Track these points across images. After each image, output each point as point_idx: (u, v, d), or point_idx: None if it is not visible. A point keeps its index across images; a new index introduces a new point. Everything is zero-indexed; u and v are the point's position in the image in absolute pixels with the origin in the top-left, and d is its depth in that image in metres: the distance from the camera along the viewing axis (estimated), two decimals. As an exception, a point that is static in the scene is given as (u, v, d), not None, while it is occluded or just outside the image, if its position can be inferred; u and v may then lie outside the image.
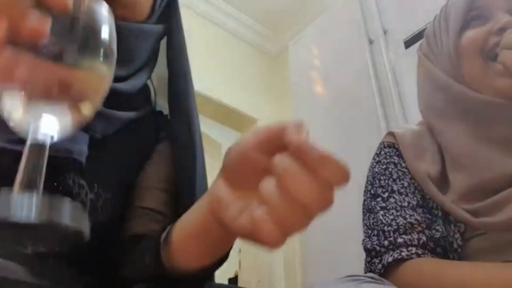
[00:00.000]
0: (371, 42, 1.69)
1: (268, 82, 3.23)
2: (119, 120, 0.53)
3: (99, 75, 0.28)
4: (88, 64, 0.26)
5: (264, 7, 3.14)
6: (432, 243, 0.57)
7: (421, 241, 0.57)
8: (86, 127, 0.48)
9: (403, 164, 0.66)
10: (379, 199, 0.63)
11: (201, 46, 2.86)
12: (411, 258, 0.55)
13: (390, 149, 0.69)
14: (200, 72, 2.72)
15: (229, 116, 2.93)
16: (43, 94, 0.25)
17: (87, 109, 0.28)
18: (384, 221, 0.60)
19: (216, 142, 3.19)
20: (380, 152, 0.70)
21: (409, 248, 0.56)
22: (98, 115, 0.50)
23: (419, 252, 0.56)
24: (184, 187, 0.54)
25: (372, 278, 0.51)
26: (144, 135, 0.59)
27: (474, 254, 0.56)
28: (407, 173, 0.65)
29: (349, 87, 1.74)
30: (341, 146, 1.70)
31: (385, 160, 0.68)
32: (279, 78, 3.20)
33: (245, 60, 3.16)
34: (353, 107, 1.66)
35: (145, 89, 0.63)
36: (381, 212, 0.61)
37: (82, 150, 0.47)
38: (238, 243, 2.83)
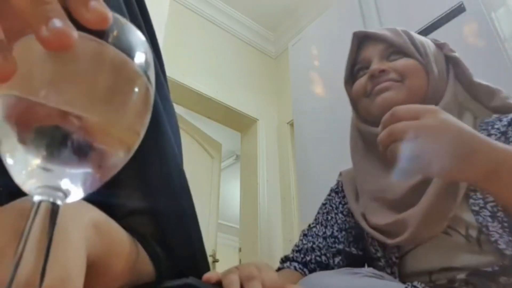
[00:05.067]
0: (370, 42, 1.70)
1: (268, 82, 3.23)
2: None
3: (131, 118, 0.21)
4: (118, 105, 0.20)
5: (264, 7, 3.15)
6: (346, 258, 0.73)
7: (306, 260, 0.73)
8: None
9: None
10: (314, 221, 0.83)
11: (201, 46, 2.86)
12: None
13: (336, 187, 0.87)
14: (200, 72, 2.73)
15: (229, 116, 2.93)
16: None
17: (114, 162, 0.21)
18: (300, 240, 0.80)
19: (216, 142, 3.19)
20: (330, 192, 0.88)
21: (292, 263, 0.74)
22: None
23: (296, 266, 0.73)
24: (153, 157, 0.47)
25: (373, 273, 0.52)
26: None
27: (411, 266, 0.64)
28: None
29: (348, 87, 1.74)
30: (341, 146, 1.70)
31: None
32: (279, 78, 3.21)
33: (245, 60, 3.17)
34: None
35: None
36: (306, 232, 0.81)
37: None
38: (238, 242, 2.79)
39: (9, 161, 0.19)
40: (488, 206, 0.57)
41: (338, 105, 1.79)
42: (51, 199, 0.19)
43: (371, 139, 0.73)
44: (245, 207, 2.78)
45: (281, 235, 2.61)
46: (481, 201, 0.58)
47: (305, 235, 0.79)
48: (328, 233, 0.76)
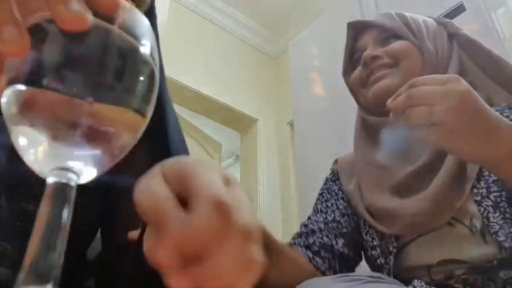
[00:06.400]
0: (370, 42, 1.70)
1: (268, 82, 3.23)
2: None
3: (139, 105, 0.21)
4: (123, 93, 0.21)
5: (264, 8, 3.15)
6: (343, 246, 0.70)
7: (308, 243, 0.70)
8: None
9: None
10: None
11: (201, 46, 2.86)
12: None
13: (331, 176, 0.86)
14: (200, 72, 2.73)
15: (229, 116, 2.93)
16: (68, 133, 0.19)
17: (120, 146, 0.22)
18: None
19: (216, 142, 3.19)
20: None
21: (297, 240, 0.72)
22: None
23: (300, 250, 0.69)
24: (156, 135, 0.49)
25: (371, 277, 0.51)
26: None
27: (407, 257, 0.62)
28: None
29: (348, 87, 1.74)
30: (341, 146, 1.70)
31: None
32: (279, 78, 3.21)
33: (245, 61, 3.17)
34: (352, 107, 1.66)
35: None
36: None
37: None
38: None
39: (21, 142, 0.20)
40: (492, 196, 0.55)
41: (338, 105, 1.79)
42: (64, 180, 0.20)
43: (373, 127, 0.73)
44: (245, 207, 2.78)
45: (281, 235, 2.61)
46: (484, 191, 0.56)
47: (305, 225, 0.75)
48: (330, 218, 0.72)
